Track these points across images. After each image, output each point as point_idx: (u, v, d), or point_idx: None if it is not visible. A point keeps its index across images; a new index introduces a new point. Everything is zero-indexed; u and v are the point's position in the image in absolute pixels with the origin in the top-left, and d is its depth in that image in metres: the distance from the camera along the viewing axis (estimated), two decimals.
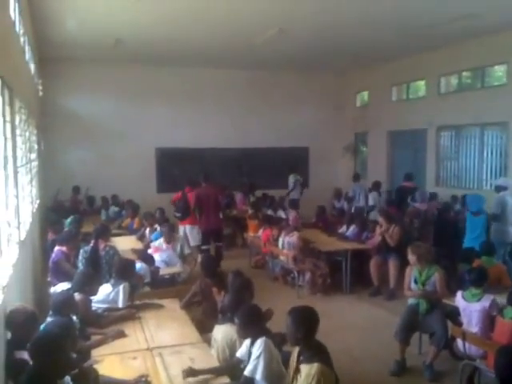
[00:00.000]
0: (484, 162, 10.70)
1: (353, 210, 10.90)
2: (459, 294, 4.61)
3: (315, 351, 3.07)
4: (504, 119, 9.90)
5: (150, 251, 7.04)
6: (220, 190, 9.88)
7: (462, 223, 7.91)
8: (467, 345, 4.36)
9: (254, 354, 3.36)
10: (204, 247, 8.76)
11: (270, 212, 10.21)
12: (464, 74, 11.39)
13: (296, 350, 3.21)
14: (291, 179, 12.72)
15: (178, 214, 9.04)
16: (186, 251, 7.71)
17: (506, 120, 9.85)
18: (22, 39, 6.92)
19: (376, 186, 10.78)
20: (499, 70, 10.56)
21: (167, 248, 7.18)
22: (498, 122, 10.17)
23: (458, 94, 11.37)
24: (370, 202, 10.58)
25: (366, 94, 14.89)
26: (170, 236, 7.38)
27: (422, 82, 12.54)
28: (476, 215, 7.33)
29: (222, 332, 3.90)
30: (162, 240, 7.38)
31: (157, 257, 6.75)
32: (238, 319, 3.53)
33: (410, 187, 10.05)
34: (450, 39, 10.47)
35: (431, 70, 11.85)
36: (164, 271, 6.52)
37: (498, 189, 7.87)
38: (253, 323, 3.50)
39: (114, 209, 10.98)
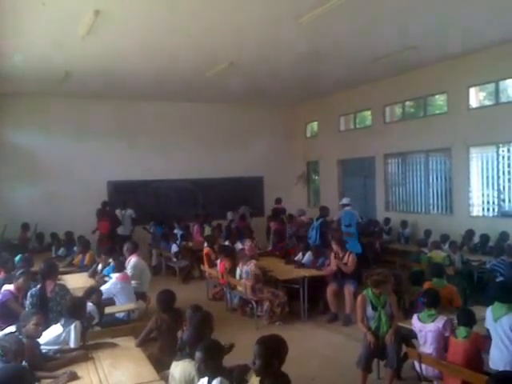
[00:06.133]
0: (430, 187, 11.15)
1: None
2: (415, 315, 4.71)
3: (280, 382, 3.01)
4: (447, 145, 10.42)
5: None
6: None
7: None
8: (424, 366, 4.44)
9: None
10: None
11: (227, 243, 10.13)
12: (407, 103, 11.95)
13: (255, 380, 3.12)
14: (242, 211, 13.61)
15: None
16: (144, 288, 7.48)
17: (449, 146, 10.37)
18: None
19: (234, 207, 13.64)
20: (439, 99, 11.16)
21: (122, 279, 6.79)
22: (441, 148, 10.68)
23: (402, 123, 11.89)
24: (229, 217, 13.33)
25: (315, 125, 15.32)
26: (121, 268, 6.98)
27: (368, 112, 13.05)
28: (348, 227, 9.51)
29: (180, 369, 3.78)
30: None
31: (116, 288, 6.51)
32: (199, 355, 3.37)
33: (281, 208, 12.92)
34: (393, 71, 11.03)
35: (376, 101, 12.38)
36: (118, 308, 6.31)
37: (344, 206, 10.26)
38: (213, 359, 3.37)
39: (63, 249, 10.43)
